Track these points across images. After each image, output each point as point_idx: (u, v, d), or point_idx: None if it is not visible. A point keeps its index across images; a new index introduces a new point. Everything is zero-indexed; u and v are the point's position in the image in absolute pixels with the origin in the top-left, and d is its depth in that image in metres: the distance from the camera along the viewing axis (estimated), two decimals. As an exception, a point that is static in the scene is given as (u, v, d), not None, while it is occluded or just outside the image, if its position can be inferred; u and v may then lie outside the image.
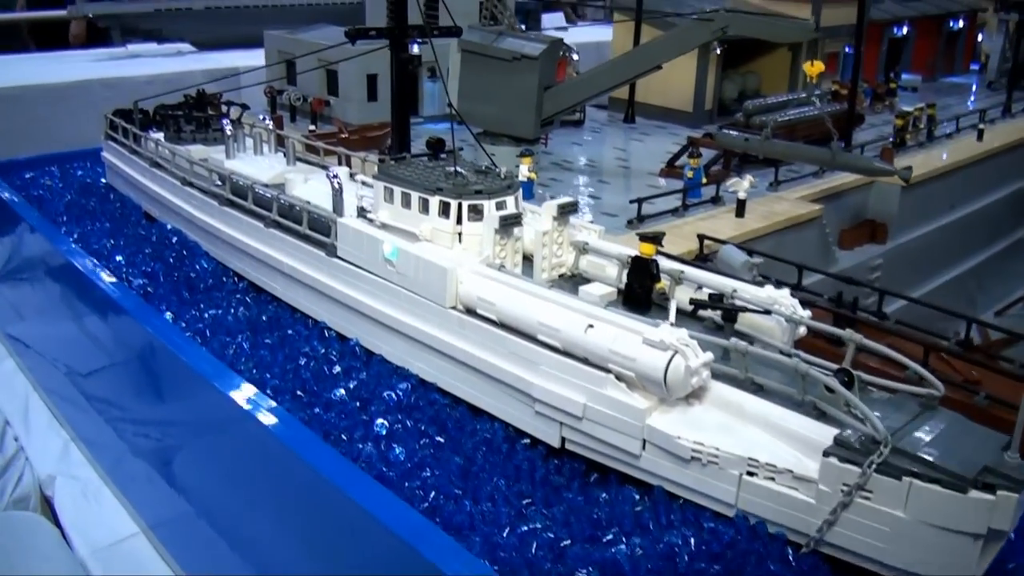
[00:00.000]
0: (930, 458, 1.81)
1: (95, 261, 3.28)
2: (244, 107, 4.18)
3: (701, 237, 3.42)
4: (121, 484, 3.61)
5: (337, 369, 2.71)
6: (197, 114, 3.96)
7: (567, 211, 2.76)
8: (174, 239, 3.68)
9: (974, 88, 8.33)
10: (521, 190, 2.78)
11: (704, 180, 4.08)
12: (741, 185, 3.74)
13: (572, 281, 2.78)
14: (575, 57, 4.25)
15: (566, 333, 2.24)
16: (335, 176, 3.07)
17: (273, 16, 9.59)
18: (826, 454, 1.86)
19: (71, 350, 3.87)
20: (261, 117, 3.88)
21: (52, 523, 3.59)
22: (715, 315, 2.45)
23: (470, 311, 2.50)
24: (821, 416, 2.00)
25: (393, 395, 2.57)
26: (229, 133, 3.69)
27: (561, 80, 4.33)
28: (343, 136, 4.38)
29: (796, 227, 3.89)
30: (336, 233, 2.86)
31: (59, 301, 3.74)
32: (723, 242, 3.30)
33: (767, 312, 2.33)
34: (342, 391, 2.57)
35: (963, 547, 1.80)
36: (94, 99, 7.30)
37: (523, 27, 4.21)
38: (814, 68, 3.75)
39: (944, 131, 5.74)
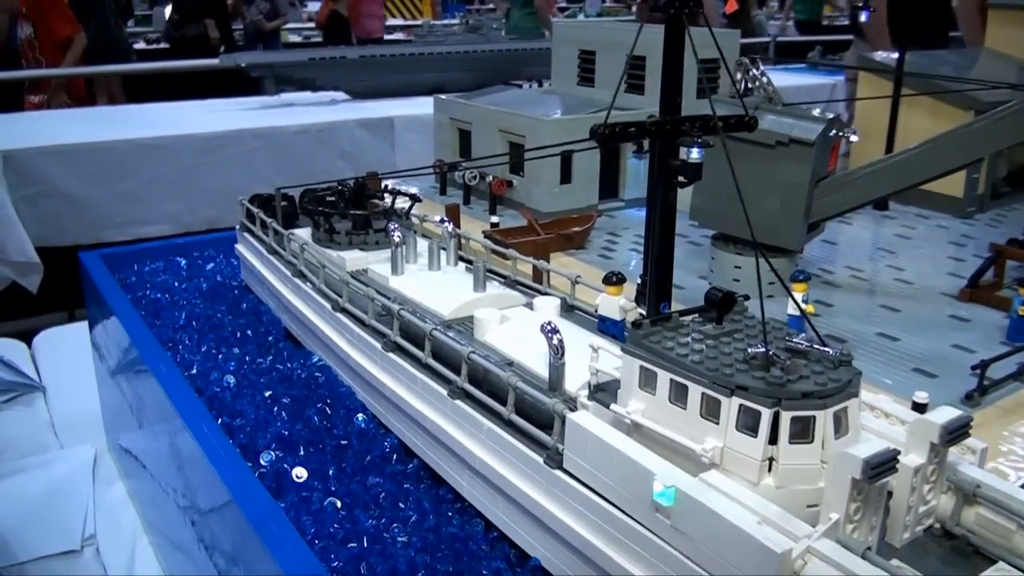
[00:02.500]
0: None
1: (216, 431, 2.37)
2: (415, 199, 3.27)
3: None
4: None
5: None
6: (355, 212, 3.07)
7: (957, 436, 1.67)
8: (320, 378, 2.78)
9: None
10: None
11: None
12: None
13: (950, 545, 1.68)
14: (853, 139, 3.16)
15: None
16: (552, 331, 2.07)
17: (430, 64, 9.29)
18: None
19: (185, 485, 3.00)
20: (439, 219, 2.93)
21: None
22: None
23: (811, 624, 1.44)
24: None
25: None
26: (397, 240, 2.77)
27: (833, 169, 3.23)
28: (536, 236, 3.40)
29: None
30: (563, 434, 1.86)
31: (170, 455, 2.89)
32: None
33: None
34: None
35: None
36: (243, 149, 7.24)
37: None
38: None
39: None
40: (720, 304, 1.84)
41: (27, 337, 5.71)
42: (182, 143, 7.03)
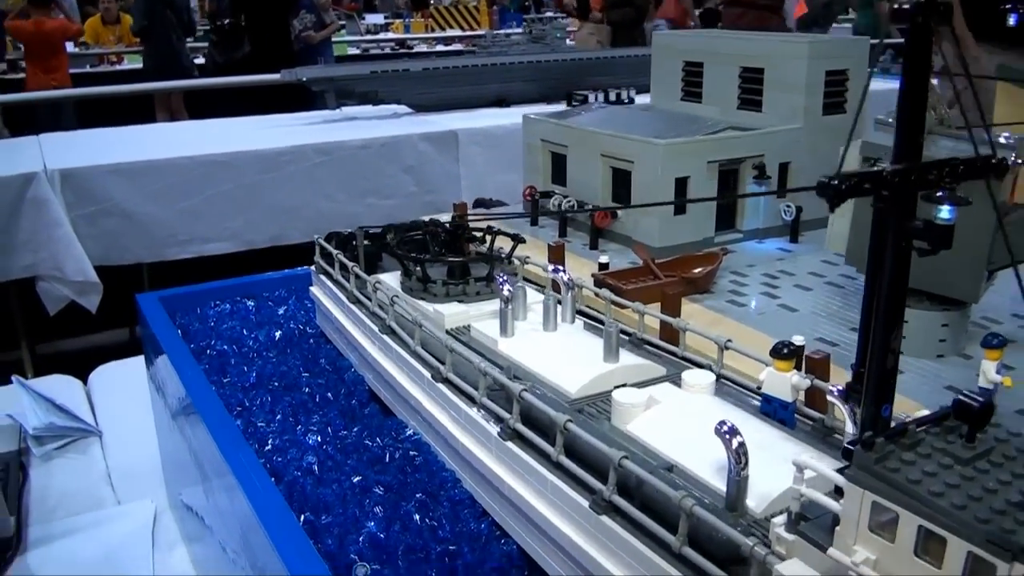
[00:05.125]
0: None
1: (298, 532, 1.96)
2: (518, 239, 2.83)
3: None
4: None
5: None
6: (452, 259, 2.64)
7: None
8: (418, 458, 2.34)
9: None
10: None
11: None
12: None
13: None
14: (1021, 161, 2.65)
15: None
16: (731, 431, 1.61)
17: (494, 75, 9.17)
18: None
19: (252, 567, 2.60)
20: (552, 269, 2.48)
21: None
22: None
23: None
24: None
25: None
26: (507, 295, 2.34)
27: (1012, 202, 2.72)
28: (657, 282, 2.93)
29: None
30: (765, 586, 1.40)
31: (235, 520, 2.49)
32: None
33: None
34: None
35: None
36: (306, 165, 7.18)
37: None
38: None
39: None
40: (974, 417, 1.37)
41: (83, 362, 5.45)
42: (244, 159, 6.97)
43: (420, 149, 7.60)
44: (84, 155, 6.83)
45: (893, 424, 1.49)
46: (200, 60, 14.89)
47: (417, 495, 2.19)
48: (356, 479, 2.27)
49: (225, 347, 3.13)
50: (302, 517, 2.10)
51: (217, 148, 7.04)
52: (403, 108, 8.66)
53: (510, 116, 8.10)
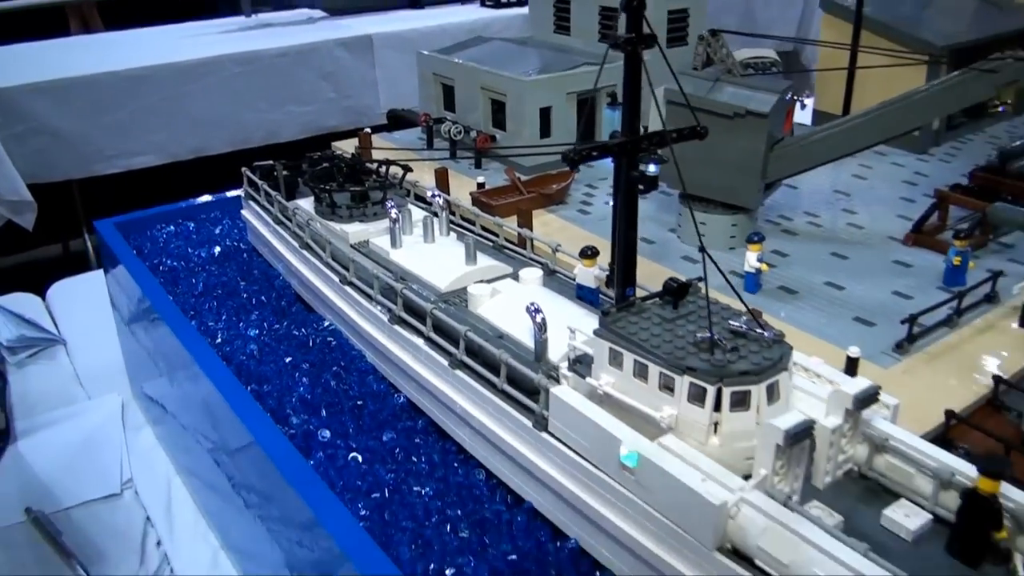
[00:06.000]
0: None
1: (247, 399, 2.75)
2: (406, 168, 3.56)
3: (997, 380, 2.63)
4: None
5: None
6: (353, 187, 3.36)
7: (866, 402, 2.04)
8: (333, 342, 3.13)
9: None
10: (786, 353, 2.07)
11: (971, 265, 3.24)
12: (1031, 291, 2.90)
13: (864, 487, 2.08)
14: (806, 102, 3.44)
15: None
16: (536, 310, 2.42)
17: None
18: None
19: (216, 432, 3.39)
20: (431, 194, 3.23)
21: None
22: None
23: (740, 554, 1.84)
24: None
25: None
26: (395, 217, 3.09)
27: (788, 131, 3.53)
28: (521, 197, 3.70)
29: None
30: (547, 403, 2.23)
31: (194, 403, 3.26)
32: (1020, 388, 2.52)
33: None
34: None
35: None
36: (225, 75, 7.31)
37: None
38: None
39: None
40: (676, 292, 2.19)
41: (33, 279, 5.98)
42: (164, 72, 7.06)
43: (336, 55, 7.63)
44: (5, 75, 6.63)
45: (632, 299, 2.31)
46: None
47: (333, 368, 2.98)
48: (288, 359, 3.04)
49: (174, 263, 3.84)
50: (249, 388, 2.87)
51: (136, 62, 7.05)
52: (317, 12, 8.76)
53: (424, 18, 8.38)
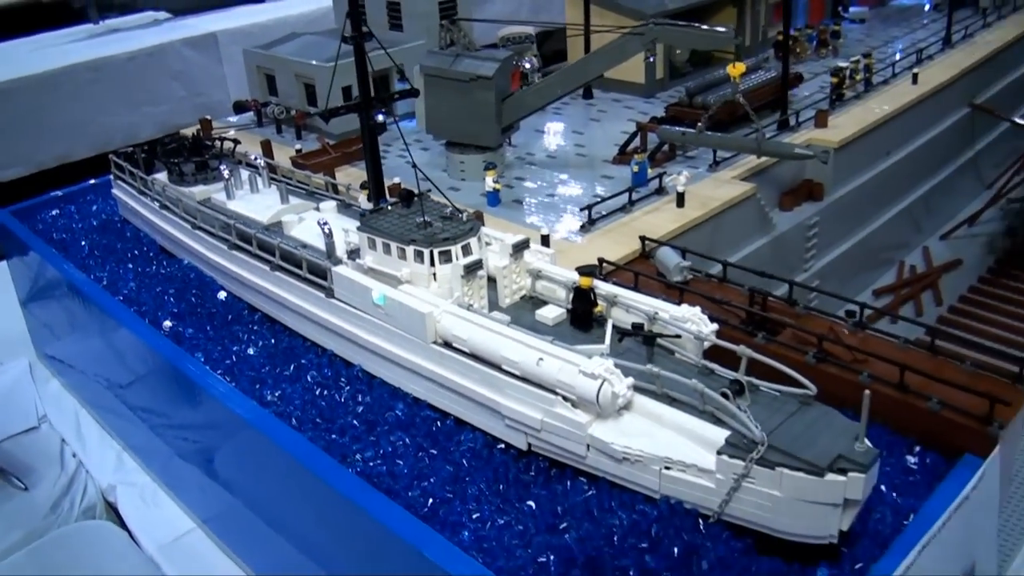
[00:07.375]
0: (795, 451, 2.40)
1: (132, 314, 3.86)
2: (236, 141, 4.67)
3: (643, 239, 3.96)
4: (173, 486, 4.27)
5: (346, 394, 3.31)
6: (195, 158, 4.45)
7: (520, 248, 3.31)
8: (191, 275, 4.24)
9: (926, 8, 8.55)
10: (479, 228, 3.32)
11: (650, 170, 4.58)
12: (679, 180, 4.26)
13: (532, 303, 3.35)
14: (527, 65, 4.70)
15: (523, 365, 2.81)
16: (324, 223, 3.60)
17: None
18: (719, 452, 2.45)
19: (109, 368, 4.46)
20: (254, 157, 4.37)
21: (120, 527, 4.26)
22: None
23: (447, 344, 3.08)
24: (719, 422, 2.58)
25: (394, 414, 3.17)
26: (227, 175, 4.21)
27: (516, 88, 4.80)
28: (329, 156, 4.88)
29: (734, 208, 4.40)
30: (332, 279, 3.42)
31: (99, 343, 4.33)
32: (661, 243, 3.85)
33: (677, 336, 2.91)
34: (352, 418, 3.17)
35: (826, 513, 2.40)
36: (79, 83, 7.71)
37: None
38: (736, 70, 4.21)
39: (880, 79, 6.13)
40: (406, 198, 3.41)
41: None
42: (20, 86, 7.33)
43: (184, 55, 8.05)
44: None
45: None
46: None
47: (192, 290, 4.12)
48: (158, 289, 4.17)
49: (63, 236, 4.85)
50: (133, 309, 3.96)
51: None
52: (162, 14, 9.14)
53: (266, 12, 8.87)
